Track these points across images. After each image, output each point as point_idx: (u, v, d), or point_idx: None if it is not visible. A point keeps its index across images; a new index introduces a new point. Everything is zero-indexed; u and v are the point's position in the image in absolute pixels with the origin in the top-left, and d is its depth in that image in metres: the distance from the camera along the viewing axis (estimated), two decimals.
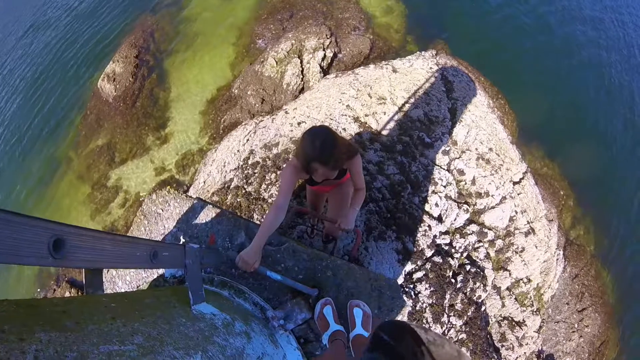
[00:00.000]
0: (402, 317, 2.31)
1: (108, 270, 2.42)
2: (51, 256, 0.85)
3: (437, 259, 3.81)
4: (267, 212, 3.80)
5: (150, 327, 1.14)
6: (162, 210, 2.57)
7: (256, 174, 4.15)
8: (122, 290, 2.39)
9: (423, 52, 6.04)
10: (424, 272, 3.71)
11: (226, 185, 4.24)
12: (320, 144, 2.06)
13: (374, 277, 2.39)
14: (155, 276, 2.33)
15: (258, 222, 3.22)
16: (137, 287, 2.37)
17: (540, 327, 4.43)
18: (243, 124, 5.32)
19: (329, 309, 2.18)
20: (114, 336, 0.96)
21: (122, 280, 2.42)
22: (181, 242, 2.26)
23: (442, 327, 3.63)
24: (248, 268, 2.10)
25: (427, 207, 4.03)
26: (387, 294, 2.34)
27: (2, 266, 6.88)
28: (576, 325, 5.16)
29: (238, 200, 3.99)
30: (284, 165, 4.14)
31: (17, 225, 0.79)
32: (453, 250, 3.98)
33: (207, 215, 2.54)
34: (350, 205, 2.45)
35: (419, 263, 3.72)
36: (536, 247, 4.41)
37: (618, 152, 6.77)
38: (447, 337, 3.56)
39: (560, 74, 7.47)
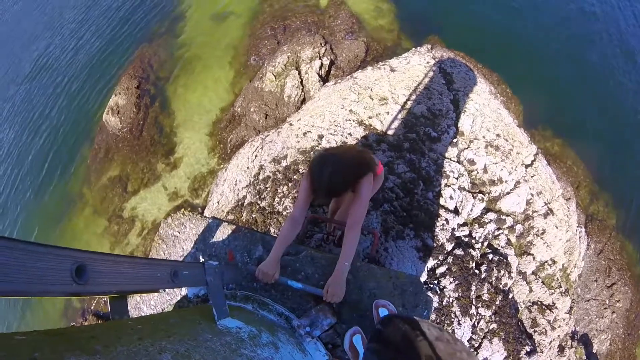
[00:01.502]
0: (428, 312, 2.30)
1: (132, 297, 2.45)
2: (75, 282, 0.87)
3: (459, 252, 3.77)
4: (282, 224, 3.82)
5: (177, 344, 1.16)
6: (179, 233, 2.60)
7: (268, 189, 4.17)
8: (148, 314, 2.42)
9: (418, 47, 6.05)
10: (446, 267, 3.68)
11: (240, 203, 4.26)
12: (327, 177, 2.03)
13: (395, 275, 2.38)
14: (178, 298, 2.35)
15: (274, 235, 3.23)
16: (162, 310, 2.40)
17: (571, 307, 4.35)
18: (250, 140, 5.36)
19: (359, 337, 2.16)
20: (142, 355, 0.98)
21: (146, 305, 2.44)
22: (201, 261, 2.29)
23: (471, 319, 3.58)
24: (268, 279, 2.12)
25: (442, 201, 4.00)
26: (410, 291, 2.32)
27: (29, 307, 7.00)
28: (607, 302, 5.06)
29: (253, 216, 4.01)
30: (302, 175, 4.15)
31: (42, 255, 0.81)
32: (473, 241, 3.94)
33: (223, 233, 2.56)
34: (339, 260, 2.18)
35: (441, 258, 3.68)
36: (557, 227, 4.35)
37: (627, 121, 6.69)
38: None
39: (558, 50, 7.43)
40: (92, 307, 6.37)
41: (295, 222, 2.24)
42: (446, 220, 3.88)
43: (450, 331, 3.45)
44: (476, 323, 3.65)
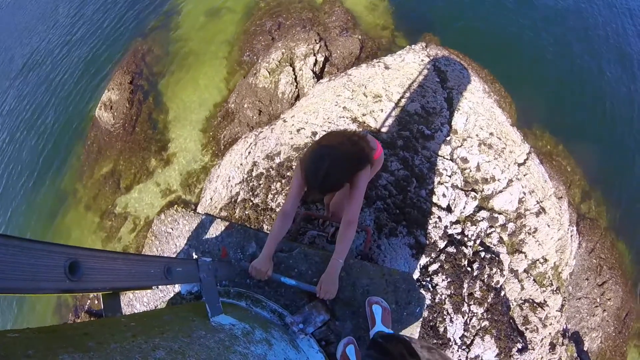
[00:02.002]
0: (420, 309, 2.31)
1: (125, 294, 2.44)
2: (68, 279, 0.87)
3: (451, 249, 3.79)
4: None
5: (171, 341, 1.16)
6: (172, 229, 2.59)
7: (261, 185, 4.17)
8: (141, 311, 2.41)
9: (413, 45, 6.05)
10: (439, 264, 3.70)
11: (233, 200, 4.26)
12: (322, 174, 1.90)
13: (388, 272, 2.39)
14: (171, 295, 2.35)
15: (268, 232, 3.23)
16: (155, 307, 2.39)
17: (562, 305, 4.40)
18: (243, 137, 5.34)
19: (352, 348, 2.17)
20: (136, 352, 0.98)
21: (139, 302, 2.44)
22: (194, 258, 2.28)
23: (463, 317, 3.61)
24: (262, 276, 2.13)
25: (434, 199, 4.02)
26: (403, 287, 2.34)
27: (21, 305, 6.95)
28: (598, 300, 5.12)
29: (246, 212, 4.01)
30: (295, 166, 4.11)
31: (35, 251, 0.81)
32: (466, 239, 3.96)
33: (216, 229, 2.56)
34: (333, 256, 2.17)
35: (433, 255, 3.70)
36: (549, 226, 4.39)
37: (620, 120, 6.74)
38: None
39: (552, 49, 7.48)
40: (87, 305, 6.33)
41: (287, 216, 2.20)
42: (439, 218, 3.90)
43: (441, 334, 3.48)
44: (468, 320, 3.67)
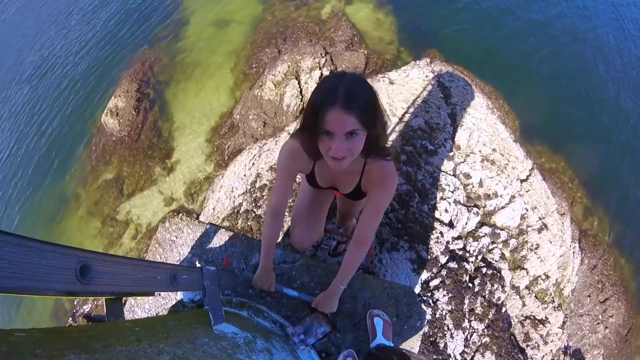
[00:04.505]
0: (421, 323, 2.31)
1: (126, 301, 2.45)
2: (78, 281, 0.89)
3: (453, 265, 3.79)
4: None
5: (175, 347, 1.17)
6: (176, 237, 2.60)
7: (264, 197, 4.18)
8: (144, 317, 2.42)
9: (417, 61, 6.11)
10: (440, 279, 3.69)
11: (236, 210, 4.27)
12: (347, 84, 1.32)
13: (389, 285, 2.40)
14: (173, 302, 2.35)
15: None
16: (157, 314, 2.40)
17: (564, 322, 4.37)
18: (247, 148, 5.38)
19: None
20: (141, 356, 0.99)
21: (141, 309, 2.44)
22: (198, 266, 2.29)
23: (464, 333, 3.59)
24: (265, 289, 2.14)
25: (437, 214, 4.03)
26: (404, 301, 2.34)
27: (19, 307, 6.93)
28: (600, 317, 5.09)
29: (249, 223, 4.02)
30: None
31: (48, 253, 0.83)
32: (467, 255, 3.96)
33: (220, 239, 2.57)
34: (335, 279, 1.97)
35: (435, 270, 3.70)
36: (551, 242, 4.38)
37: (623, 137, 6.75)
38: None
39: (558, 66, 7.52)
40: (83, 310, 6.31)
41: (278, 215, 1.90)
42: (441, 233, 3.91)
43: (441, 349, 3.46)
44: (469, 336, 3.66)
